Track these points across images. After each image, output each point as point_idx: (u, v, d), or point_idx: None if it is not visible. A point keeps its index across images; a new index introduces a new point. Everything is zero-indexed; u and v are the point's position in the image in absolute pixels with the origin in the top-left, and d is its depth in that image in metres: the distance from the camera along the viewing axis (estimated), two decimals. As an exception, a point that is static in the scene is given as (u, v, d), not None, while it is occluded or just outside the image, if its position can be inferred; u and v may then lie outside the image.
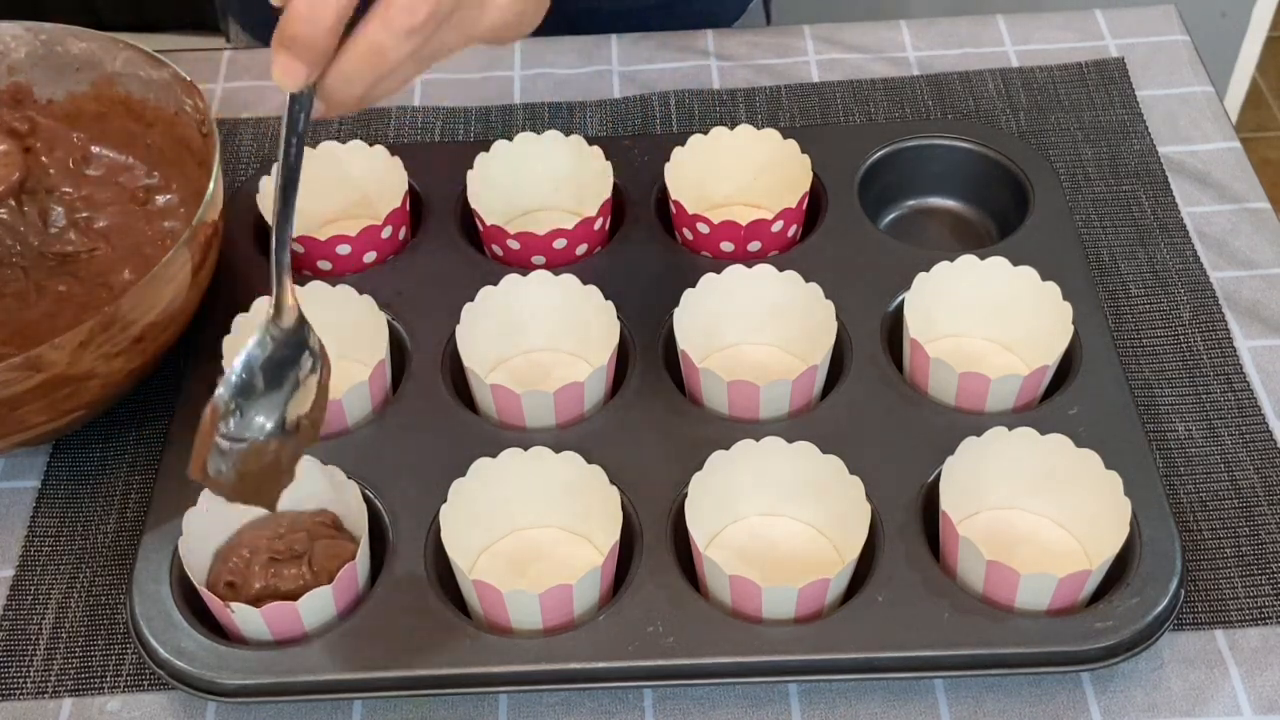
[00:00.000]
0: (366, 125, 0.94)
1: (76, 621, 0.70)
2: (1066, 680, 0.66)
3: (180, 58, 0.83)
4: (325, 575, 0.66)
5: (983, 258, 0.77)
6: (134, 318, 0.69)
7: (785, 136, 0.84)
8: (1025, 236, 0.82)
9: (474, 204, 0.81)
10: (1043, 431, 0.69)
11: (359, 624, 0.66)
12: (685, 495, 0.67)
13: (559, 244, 0.80)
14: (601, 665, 0.64)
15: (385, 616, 0.66)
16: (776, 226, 0.80)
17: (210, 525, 0.68)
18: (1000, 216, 0.86)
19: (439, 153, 0.89)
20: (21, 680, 0.68)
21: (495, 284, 0.76)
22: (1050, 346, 0.74)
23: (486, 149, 0.83)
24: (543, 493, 0.70)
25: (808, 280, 0.76)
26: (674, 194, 0.81)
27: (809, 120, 0.93)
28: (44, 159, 0.83)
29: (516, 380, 0.77)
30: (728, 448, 0.69)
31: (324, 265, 0.81)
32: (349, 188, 0.85)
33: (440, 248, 0.82)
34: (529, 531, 0.71)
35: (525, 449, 0.69)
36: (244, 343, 0.60)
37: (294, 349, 0.61)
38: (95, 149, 0.84)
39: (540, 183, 0.85)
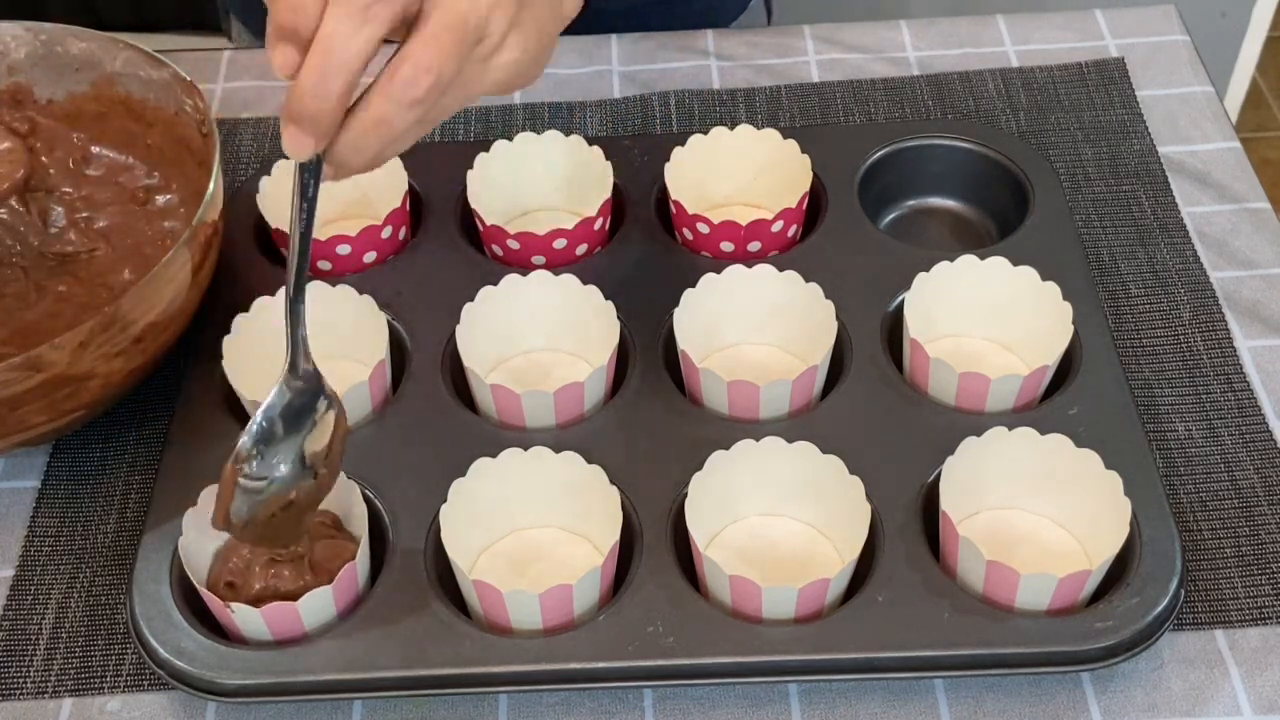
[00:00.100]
0: (366, 125, 0.94)
1: (76, 621, 0.70)
2: (1066, 680, 0.66)
3: (180, 58, 0.83)
4: (325, 575, 0.66)
5: (983, 258, 0.77)
6: (134, 318, 0.69)
7: (785, 136, 0.84)
8: (1025, 236, 0.82)
9: (474, 204, 0.81)
10: (1043, 431, 0.69)
11: (359, 624, 0.66)
12: (685, 495, 0.67)
13: (559, 244, 0.80)
14: (601, 665, 0.64)
15: (385, 616, 0.66)
16: (776, 226, 0.80)
17: (210, 525, 0.68)
18: (1000, 216, 0.86)
19: (439, 152, 0.89)
20: (21, 680, 0.68)
21: (495, 284, 0.76)
22: (1050, 346, 0.74)
23: (486, 149, 0.83)
24: (543, 493, 0.70)
25: (808, 280, 0.76)
26: (674, 194, 0.81)
27: (809, 120, 0.93)
28: (44, 159, 0.83)
29: (516, 380, 0.77)
30: (728, 448, 0.69)
31: (324, 265, 0.81)
32: (349, 187, 0.85)
33: (440, 248, 0.82)
34: (529, 531, 0.71)
35: (525, 449, 0.69)
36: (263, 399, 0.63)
37: (310, 396, 0.63)
38: (95, 149, 0.84)
39: (540, 183, 0.85)
